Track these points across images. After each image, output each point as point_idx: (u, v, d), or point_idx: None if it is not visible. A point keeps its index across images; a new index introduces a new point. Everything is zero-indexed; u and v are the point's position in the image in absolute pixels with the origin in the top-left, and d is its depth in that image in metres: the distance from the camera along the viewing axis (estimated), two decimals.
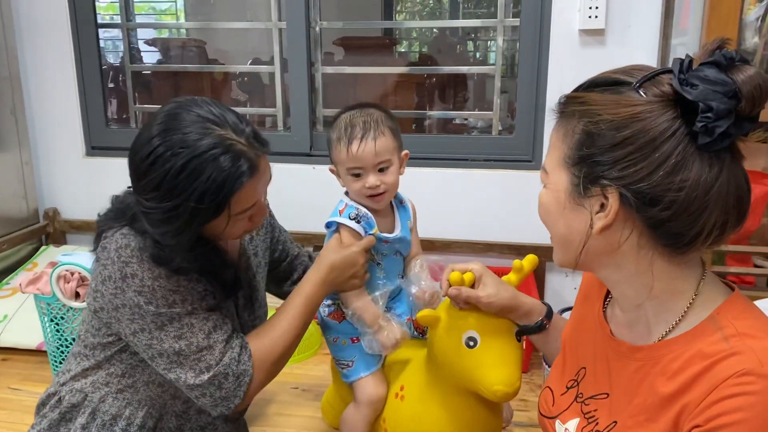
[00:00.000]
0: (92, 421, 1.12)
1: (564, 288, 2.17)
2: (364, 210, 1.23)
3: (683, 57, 0.71)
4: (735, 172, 0.71)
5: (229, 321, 1.11)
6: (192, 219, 0.98)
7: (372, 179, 1.19)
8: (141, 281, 1.01)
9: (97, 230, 1.12)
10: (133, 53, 2.89)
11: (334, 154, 1.22)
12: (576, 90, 0.80)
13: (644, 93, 0.72)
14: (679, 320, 0.77)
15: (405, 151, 1.26)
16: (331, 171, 1.28)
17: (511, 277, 1.10)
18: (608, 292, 0.93)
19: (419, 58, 3.97)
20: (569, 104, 0.79)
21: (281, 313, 1.15)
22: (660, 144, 0.69)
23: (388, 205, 1.28)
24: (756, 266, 1.77)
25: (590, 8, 1.87)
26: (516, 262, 1.10)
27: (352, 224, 1.21)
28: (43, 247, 2.34)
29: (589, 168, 0.74)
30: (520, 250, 2.10)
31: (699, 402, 0.69)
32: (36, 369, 1.78)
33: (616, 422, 0.80)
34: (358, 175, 1.20)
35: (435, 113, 2.97)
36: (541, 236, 2.05)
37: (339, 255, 1.18)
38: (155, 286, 1.01)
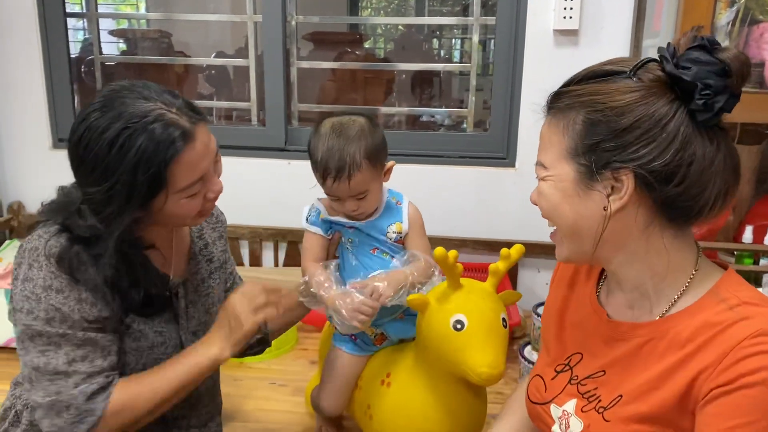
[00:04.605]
0: None
1: (535, 284, 2.22)
2: (314, 206, 1.26)
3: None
4: (728, 144, 0.79)
5: (110, 359, 1.02)
6: (130, 196, 0.95)
7: (350, 206, 1.19)
8: (33, 287, 0.97)
9: (36, 220, 1.07)
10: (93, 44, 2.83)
11: (312, 171, 1.20)
12: (567, 84, 0.83)
13: (639, 79, 0.77)
14: (680, 295, 0.82)
15: (391, 162, 1.24)
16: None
17: (499, 265, 1.12)
18: (599, 277, 0.96)
19: (385, 55, 4.00)
20: (564, 98, 0.82)
21: (164, 368, 1.06)
22: (665, 124, 0.75)
23: None
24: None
25: (565, 9, 1.91)
26: (504, 250, 1.12)
27: (307, 226, 1.25)
28: (7, 242, 2.26)
29: (598, 155, 0.78)
30: (493, 246, 2.13)
31: (716, 365, 0.73)
32: (3, 366, 1.72)
33: (621, 396, 0.83)
34: (336, 200, 1.20)
35: (404, 110, 2.99)
36: (514, 232, 2.11)
37: (234, 298, 1.09)
38: (42, 296, 0.97)
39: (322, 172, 1.15)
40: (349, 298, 1.13)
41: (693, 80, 0.74)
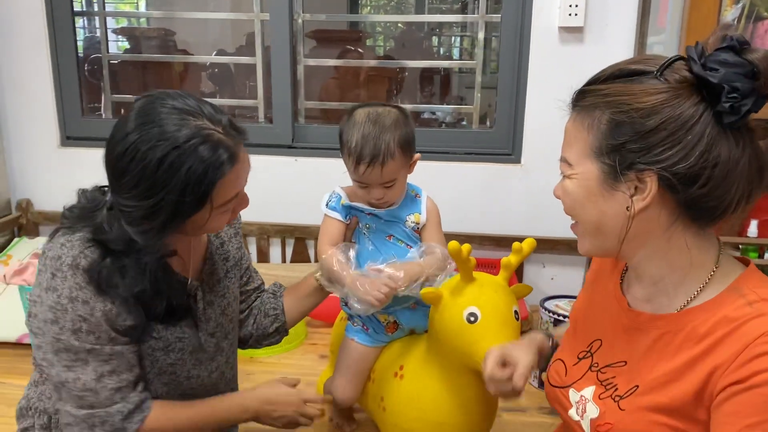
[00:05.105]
0: None
1: (540, 279, 2.24)
2: (335, 192, 1.29)
3: (665, 53, 0.79)
4: (754, 144, 0.78)
5: (135, 371, 1.06)
6: (175, 214, 0.96)
7: (377, 193, 1.22)
8: (58, 297, 0.97)
9: (59, 225, 1.07)
10: (97, 42, 2.84)
11: (344, 158, 1.22)
12: (593, 82, 0.83)
13: (665, 80, 0.77)
14: (700, 291, 0.82)
15: (416, 155, 1.26)
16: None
17: (511, 259, 1.14)
18: (624, 270, 0.97)
19: (385, 53, 4.01)
20: (589, 97, 0.82)
21: (201, 404, 1.14)
22: (691, 126, 0.75)
23: None
24: None
25: (570, 6, 1.93)
26: (516, 244, 1.14)
27: (327, 211, 1.28)
28: (16, 239, 2.28)
29: (622, 155, 0.78)
30: (500, 242, 2.15)
31: (731, 361, 0.74)
32: (18, 362, 1.74)
33: (637, 386, 0.85)
34: (364, 187, 1.23)
35: (409, 107, 2.99)
36: (520, 228, 2.13)
37: (277, 391, 1.20)
38: (68, 307, 0.97)
39: (356, 158, 1.17)
40: (367, 277, 1.16)
41: (720, 83, 0.73)
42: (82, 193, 1.09)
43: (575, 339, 1.00)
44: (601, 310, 0.97)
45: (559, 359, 1.01)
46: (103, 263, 0.99)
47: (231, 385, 1.29)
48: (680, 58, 0.79)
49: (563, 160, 0.87)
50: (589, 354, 0.95)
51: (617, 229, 0.83)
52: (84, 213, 1.04)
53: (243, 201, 1.07)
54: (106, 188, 1.07)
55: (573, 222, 0.90)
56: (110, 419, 1.02)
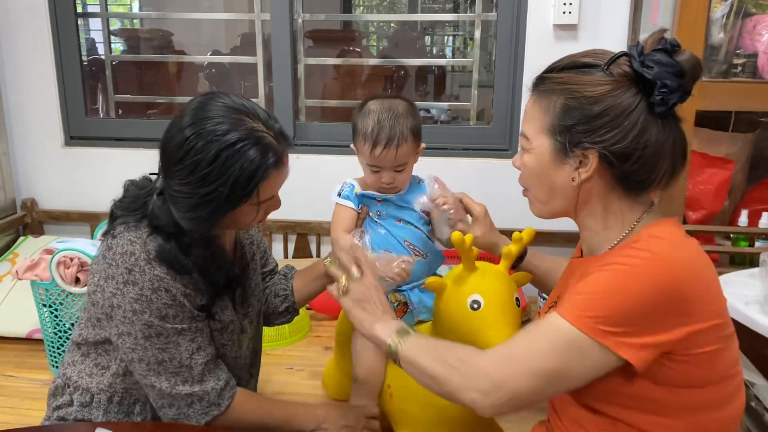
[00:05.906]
0: (107, 413, 1.16)
1: None
2: (348, 182, 1.37)
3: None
4: (679, 130, 0.92)
5: (213, 347, 1.15)
6: (224, 204, 1.04)
7: (387, 177, 1.30)
8: (140, 290, 1.05)
9: (111, 217, 1.15)
10: (93, 45, 2.87)
11: (358, 145, 1.30)
12: (551, 70, 0.96)
13: (610, 73, 0.90)
14: (621, 239, 0.96)
15: (422, 144, 1.34)
16: (353, 148, 1.37)
17: (511, 248, 1.19)
18: None
19: (379, 52, 4.06)
20: (547, 83, 0.95)
21: (274, 403, 1.27)
22: (629, 114, 0.89)
23: None
24: (718, 245, 1.92)
25: (564, 4, 1.98)
26: (516, 233, 1.19)
27: (339, 200, 1.36)
28: (21, 238, 2.32)
29: (572, 135, 0.92)
30: None
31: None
32: (29, 357, 1.78)
33: (555, 302, 1.00)
34: (376, 171, 1.30)
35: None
36: (516, 221, 2.17)
37: (337, 415, 1.28)
38: (153, 298, 1.05)
39: (373, 141, 1.26)
40: (383, 259, 1.24)
41: (653, 79, 0.86)
42: (131, 183, 1.17)
43: (551, 297, 1.12)
44: (569, 269, 1.10)
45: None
46: (168, 245, 1.07)
47: (258, 365, 1.38)
48: (624, 54, 0.91)
49: (522, 134, 1.00)
50: (554, 304, 1.06)
51: (565, 195, 0.97)
52: (134, 201, 1.12)
53: (276, 203, 1.15)
54: (153, 175, 1.15)
55: (524, 189, 1.05)
56: (207, 396, 1.12)
